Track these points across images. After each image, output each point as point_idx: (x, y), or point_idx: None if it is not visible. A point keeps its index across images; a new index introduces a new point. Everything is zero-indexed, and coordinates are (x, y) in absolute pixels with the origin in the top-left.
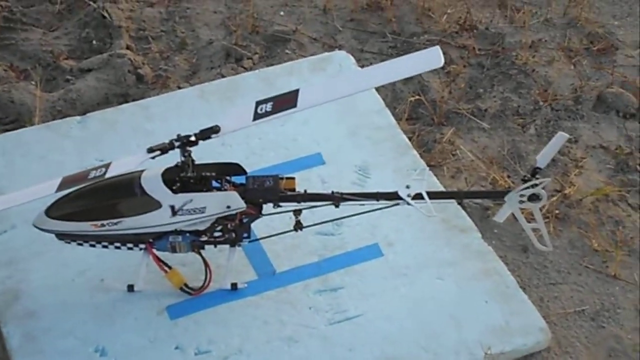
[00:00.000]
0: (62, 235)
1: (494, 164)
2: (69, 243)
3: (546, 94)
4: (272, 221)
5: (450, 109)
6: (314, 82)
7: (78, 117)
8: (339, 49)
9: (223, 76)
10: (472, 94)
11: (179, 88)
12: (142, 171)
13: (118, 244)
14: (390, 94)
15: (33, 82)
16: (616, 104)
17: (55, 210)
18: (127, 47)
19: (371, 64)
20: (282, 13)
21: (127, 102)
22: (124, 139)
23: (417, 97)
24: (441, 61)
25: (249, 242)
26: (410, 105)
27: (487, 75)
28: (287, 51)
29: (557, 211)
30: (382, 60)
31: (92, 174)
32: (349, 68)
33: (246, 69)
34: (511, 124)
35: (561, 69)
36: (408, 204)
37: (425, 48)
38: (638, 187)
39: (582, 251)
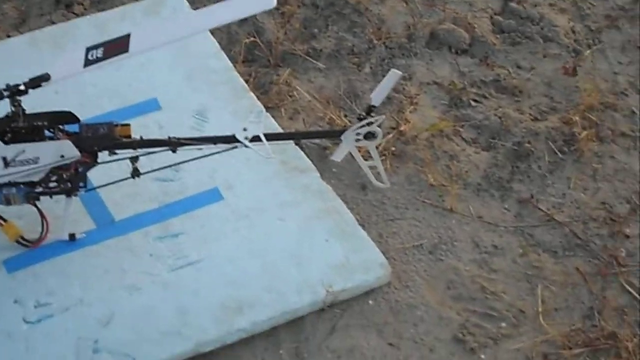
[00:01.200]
0: None
1: (330, 104)
2: None
3: (380, 33)
4: (110, 169)
5: (285, 50)
6: (147, 25)
7: None
8: None
9: (53, 23)
10: (307, 34)
11: (9, 37)
12: None
13: None
14: (226, 36)
15: None
16: (449, 40)
17: None
18: None
19: (204, 5)
20: None
21: None
22: None
23: (252, 39)
24: (274, 2)
25: (86, 191)
26: (246, 48)
27: (322, 15)
28: None
29: (393, 148)
30: (215, 1)
31: None
32: (183, 12)
33: (77, 15)
34: (347, 63)
35: (394, 6)
36: (246, 146)
37: None
38: (471, 121)
39: (419, 186)
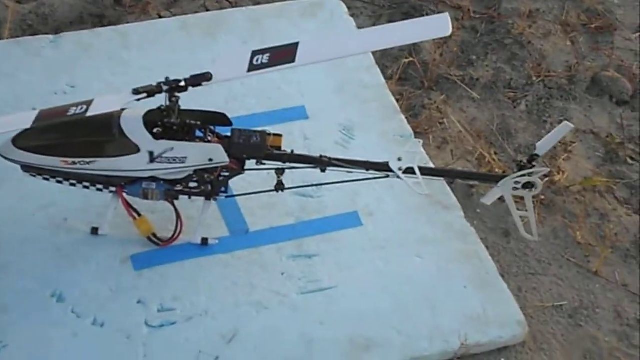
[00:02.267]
0: (27, 168)
1: (481, 138)
2: (33, 176)
3: (540, 69)
4: (249, 176)
5: (441, 73)
6: (305, 28)
7: (51, 36)
8: None
9: (207, 9)
10: (464, 59)
11: (159, 16)
12: (122, 111)
13: (87, 184)
14: (380, 50)
15: None
16: (610, 89)
17: (23, 140)
18: None
19: (362, 13)
20: None
21: (102, 24)
22: (98, 66)
23: (410, 59)
24: (449, 30)
25: (226, 197)
26: (402, 66)
27: (481, 41)
28: None
29: (542, 197)
30: (373, 12)
31: (71, 111)
32: (341, 17)
33: (231, 4)
34: (502, 96)
35: (557, 43)
36: (399, 177)
37: (419, 4)
38: (626, 180)
39: (565, 242)
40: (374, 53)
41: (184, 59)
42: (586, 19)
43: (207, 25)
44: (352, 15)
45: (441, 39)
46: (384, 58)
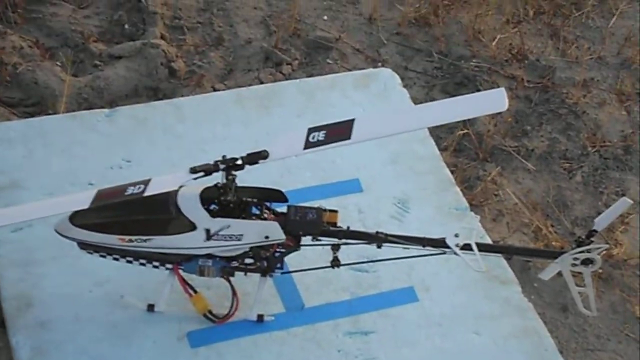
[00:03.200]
0: (84, 245)
1: (537, 211)
2: (90, 253)
3: (595, 139)
4: (304, 250)
5: (495, 144)
6: (358, 99)
7: (106, 110)
8: (383, 64)
9: (261, 81)
10: (518, 129)
11: (213, 88)
12: (179, 188)
13: (143, 261)
14: None
15: (59, 63)
16: None
17: (80, 218)
18: (162, 37)
19: (415, 83)
20: (325, 17)
21: (157, 96)
22: (154, 140)
23: (464, 130)
24: (505, 105)
25: (282, 273)
26: (457, 138)
27: (535, 111)
28: (328, 60)
29: (600, 270)
30: (427, 82)
31: (129, 190)
32: (394, 88)
33: (285, 75)
34: (557, 167)
35: (612, 112)
36: (456, 254)
37: (472, 74)
38: None
39: (623, 317)
40: None
41: (239, 132)
42: None
43: (261, 98)
44: (405, 86)
45: None
46: (438, 129)
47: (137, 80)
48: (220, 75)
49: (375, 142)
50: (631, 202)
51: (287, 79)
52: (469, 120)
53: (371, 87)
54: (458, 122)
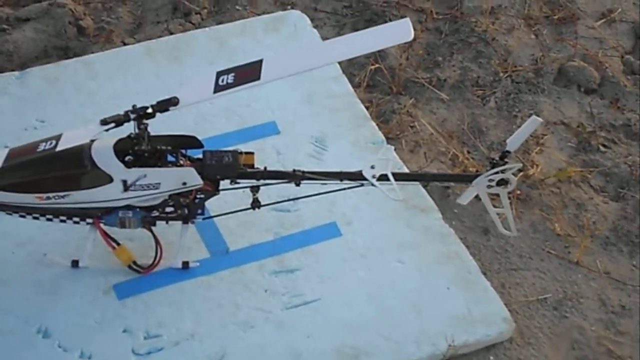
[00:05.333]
0: (2, 206)
1: (453, 139)
2: (9, 214)
3: (506, 64)
4: (225, 195)
5: (408, 77)
6: (268, 43)
7: (16, 73)
8: (292, 7)
9: (170, 32)
10: (430, 61)
11: (123, 43)
12: (92, 142)
13: (63, 218)
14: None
15: None
16: (578, 78)
17: None
18: None
19: (325, 24)
20: None
21: (67, 55)
22: (66, 98)
23: (376, 65)
24: (411, 35)
25: (203, 219)
26: (369, 73)
27: (446, 41)
28: (237, 7)
29: (518, 192)
30: (337, 21)
31: (41, 147)
32: (304, 29)
33: (194, 25)
34: (471, 95)
35: (521, 37)
36: (373, 185)
37: (382, 10)
38: (600, 168)
39: (544, 235)
40: (340, 62)
41: (151, 84)
42: (548, 11)
43: (172, 49)
44: (315, 27)
45: (405, 42)
46: (351, 67)
47: (46, 41)
48: (130, 29)
49: (290, 83)
50: (541, 120)
51: (197, 29)
52: (380, 55)
53: (281, 30)
54: (369, 58)
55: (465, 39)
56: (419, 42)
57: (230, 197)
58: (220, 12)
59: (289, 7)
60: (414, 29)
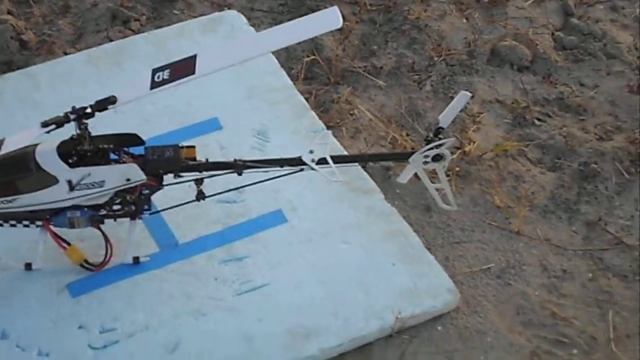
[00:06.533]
0: None
1: (392, 123)
2: None
3: (440, 49)
4: (171, 191)
5: (345, 67)
6: (206, 44)
7: None
8: (229, 8)
9: (110, 40)
10: (366, 51)
11: (65, 54)
12: (35, 145)
13: (13, 222)
14: (284, 53)
15: None
16: (510, 57)
17: None
18: (8, 12)
19: (262, 22)
20: None
21: (11, 69)
22: (11, 111)
23: (312, 57)
24: (339, 22)
25: (150, 214)
26: (306, 65)
27: (380, 31)
28: (175, 11)
29: (457, 169)
30: (273, 19)
31: None
32: (241, 28)
33: (134, 32)
34: (407, 80)
35: (453, 22)
36: (312, 169)
37: (316, 5)
38: (536, 141)
39: (484, 208)
40: (278, 57)
41: (94, 91)
42: None
43: (112, 56)
44: (252, 26)
45: (341, 34)
46: (289, 61)
47: None
48: (71, 40)
49: (230, 79)
50: (470, 94)
51: (136, 34)
52: (316, 48)
53: (218, 30)
54: (305, 51)
55: (399, 27)
56: (354, 34)
57: (177, 192)
58: (158, 18)
59: (225, 8)
60: (349, 21)
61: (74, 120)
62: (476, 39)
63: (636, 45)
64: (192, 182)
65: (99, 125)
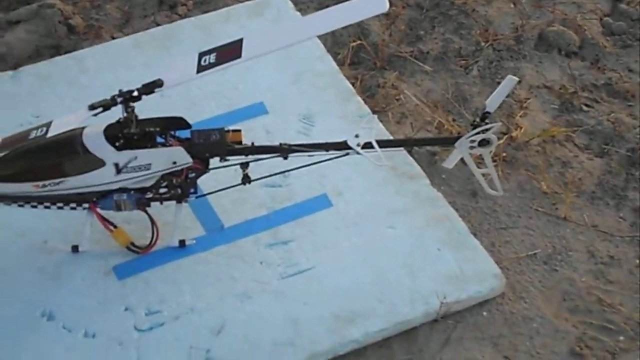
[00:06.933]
0: (0, 197)
1: (438, 108)
2: (8, 205)
3: (487, 34)
4: (217, 174)
5: (391, 52)
6: (253, 28)
7: (10, 72)
8: None
9: (158, 24)
10: (412, 36)
11: (113, 38)
12: (83, 128)
13: (60, 204)
14: (330, 38)
15: None
16: (558, 43)
17: None
18: None
19: (308, 7)
20: None
21: (59, 54)
22: (60, 94)
23: (358, 42)
24: (386, 6)
25: (196, 197)
26: (352, 50)
27: (427, 16)
28: None
29: (504, 154)
30: (320, 3)
31: (33, 134)
32: (287, 12)
33: (181, 16)
34: (454, 66)
35: (501, 7)
36: (358, 153)
37: None
38: (583, 126)
39: (531, 194)
40: (324, 42)
41: (141, 75)
42: None
43: (159, 40)
44: (299, 10)
45: (388, 19)
46: (335, 46)
47: (38, 41)
48: (118, 25)
49: (277, 64)
50: (517, 79)
51: (183, 19)
52: (362, 32)
53: (265, 14)
54: (352, 36)
55: (446, 12)
56: (401, 19)
57: (223, 176)
58: (205, 2)
59: None
60: (395, 6)
61: (121, 103)
62: (524, 24)
63: None
64: (238, 166)
65: (146, 109)
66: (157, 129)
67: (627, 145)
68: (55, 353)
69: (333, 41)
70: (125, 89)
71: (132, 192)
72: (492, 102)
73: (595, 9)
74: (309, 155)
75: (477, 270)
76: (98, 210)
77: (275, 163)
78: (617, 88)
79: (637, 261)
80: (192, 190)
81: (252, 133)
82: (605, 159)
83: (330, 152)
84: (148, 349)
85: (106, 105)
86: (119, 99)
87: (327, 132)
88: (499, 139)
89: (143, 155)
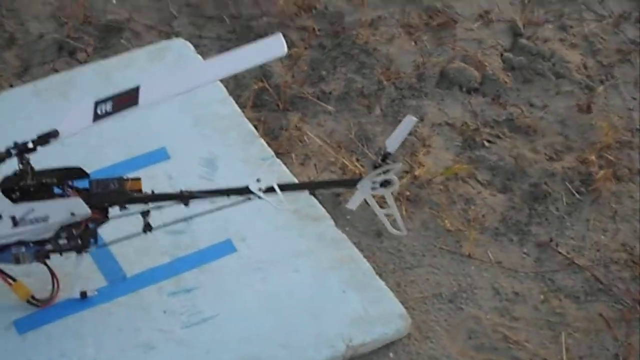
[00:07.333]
0: None
1: (342, 148)
2: None
3: (389, 73)
4: (120, 222)
5: (294, 93)
6: (153, 72)
7: None
8: (176, 37)
9: (57, 71)
10: (315, 76)
11: (11, 86)
12: None
13: None
14: (233, 80)
15: None
16: (459, 79)
17: None
18: None
19: (210, 50)
20: (114, 1)
21: None
22: None
23: (260, 84)
24: (284, 49)
25: (97, 247)
26: (255, 92)
27: (329, 56)
28: (122, 41)
29: (407, 193)
30: (222, 46)
31: None
32: (188, 56)
33: (81, 62)
34: (356, 105)
35: (402, 46)
36: (259, 197)
37: (265, 31)
38: (486, 163)
39: (435, 232)
40: (226, 84)
41: (40, 123)
42: (427, 18)
43: (58, 88)
44: (200, 53)
45: (290, 60)
46: (238, 88)
47: None
48: (17, 73)
49: (178, 109)
50: (415, 119)
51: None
52: (265, 74)
53: (166, 58)
54: (254, 78)
55: (348, 51)
56: (303, 60)
57: (125, 224)
58: (105, 48)
59: (173, 36)
60: (297, 47)
61: (15, 155)
62: (425, 61)
63: (585, 64)
64: (139, 215)
65: (45, 158)
66: (54, 180)
67: (530, 180)
68: None
69: (235, 84)
70: (20, 140)
71: (31, 244)
72: (392, 142)
73: (495, 44)
74: (211, 201)
75: (383, 311)
76: None
77: (179, 209)
78: (519, 123)
79: (542, 297)
80: (92, 240)
81: (154, 180)
82: (508, 194)
83: (232, 197)
84: None
85: (0, 158)
86: (13, 151)
87: (230, 175)
88: (401, 177)
89: (40, 207)
